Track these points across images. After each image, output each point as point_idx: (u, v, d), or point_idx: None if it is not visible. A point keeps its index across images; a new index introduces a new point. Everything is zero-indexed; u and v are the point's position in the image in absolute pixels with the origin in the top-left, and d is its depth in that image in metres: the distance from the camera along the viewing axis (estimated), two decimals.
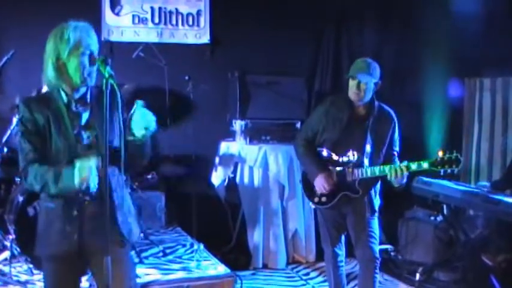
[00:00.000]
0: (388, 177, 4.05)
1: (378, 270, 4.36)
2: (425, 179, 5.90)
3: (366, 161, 4.23)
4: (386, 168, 4.06)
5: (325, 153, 4.33)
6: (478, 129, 7.06)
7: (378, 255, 4.36)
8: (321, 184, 4.26)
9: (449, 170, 3.94)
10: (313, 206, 4.51)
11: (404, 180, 4.09)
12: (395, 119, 4.35)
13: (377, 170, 4.12)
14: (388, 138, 4.31)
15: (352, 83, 4.17)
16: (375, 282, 4.34)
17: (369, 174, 4.16)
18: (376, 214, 4.39)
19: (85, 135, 2.83)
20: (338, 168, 4.28)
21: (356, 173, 4.20)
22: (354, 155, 4.21)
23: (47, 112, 2.80)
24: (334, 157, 4.29)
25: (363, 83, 4.13)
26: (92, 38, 2.82)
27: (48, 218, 2.85)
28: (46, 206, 2.87)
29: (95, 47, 2.82)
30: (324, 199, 4.33)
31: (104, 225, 2.66)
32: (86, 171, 2.62)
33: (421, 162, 3.99)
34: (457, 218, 5.82)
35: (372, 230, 4.33)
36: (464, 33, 6.93)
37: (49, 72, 2.79)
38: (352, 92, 4.19)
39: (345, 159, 4.26)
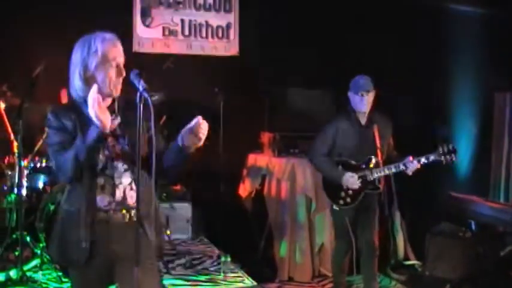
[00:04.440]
0: (406, 171, 4.67)
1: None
2: (453, 194, 5.87)
3: (381, 161, 4.78)
4: (401, 164, 4.66)
5: (343, 162, 4.82)
6: (507, 144, 6.97)
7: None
8: (351, 180, 4.72)
9: (449, 160, 4.62)
10: (337, 208, 4.89)
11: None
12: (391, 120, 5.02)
13: (393, 167, 4.71)
14: (390, 137, 4.96)
15: (355, 97, 4.79)
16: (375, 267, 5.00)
17: (386, 172, 4.74)
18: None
19: (111, 142, 2.84)
20: (359, 174, 4.76)
21: (376, 173, 4.74)
22: (371, 158, 4.78)
23: (74, 119, 2.81)
24: (354, 163, 4.80)
25: (368, 96, 4.76)
26: (118, 49, 2.84)
27: (66, 225, 2.85)
28: (66, 211, 2.87)
29: (121, 58, 2.83)
30: (348, 200, 4.82)
31: (132, 235, 2.70)
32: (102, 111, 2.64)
33: (429, 155, 4.65)
34: (485, 234, 5.76)
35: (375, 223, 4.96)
36: (494, 46, 6.89)
37: (76, 82, 2.82)
38: (356, 104, 4.79)
39: (363, 163, 4.79)
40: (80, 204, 2.81)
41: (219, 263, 5.63)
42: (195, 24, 6.83)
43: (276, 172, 6.00)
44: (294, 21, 6.92)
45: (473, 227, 5.73)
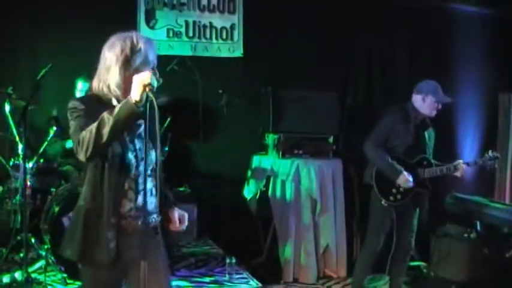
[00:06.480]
0: (456, 174, 4.95)
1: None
2: (458, 195, 5.84)
3: (432, 162, 5.00)
4: (452, 167, 4.91)
5: (396, 158, 4.93)
6: None
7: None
8: (406, 179, 4.83)
9: (492, 165, 4.98)
10: (385, 204, 4.94)
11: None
12: None
13: (444, 168, 4.94)
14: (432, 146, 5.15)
15: (434, 104, 4.93)
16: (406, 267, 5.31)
17: (438, 172, 4.94)
18: None
19: (138, 145, 2.82)
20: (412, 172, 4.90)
21: (428, 172, 4.94)
22: (423, 158, 4.98)
23: (103, 110, 2.64)
24: (407, 161, 4.94)
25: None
26: (156, 53, 2.82)
27: (89, 224, 2.75)
28: (89, 210, 2.76)
29: (156, 62, 2.81)
30: (399, 197, 4.94)
31: (149, 242, 2.71)
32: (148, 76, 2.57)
33: (477, 160, 5.08)
34: (491, 235, 5.74)
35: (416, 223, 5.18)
36: (498, 47, 6.88)
37: (114, 78, 2.73)
38: (431, 110, 4.95)
39: (415, 161, 4.96)
40: (104, 205, 2.73)
41: (224, 265, 5.62)
42: (199, 26, 6.83)
43: (281, 173, 5.99)
44: (298, 23, 6.91)
45: (478, 228, 5.71)
